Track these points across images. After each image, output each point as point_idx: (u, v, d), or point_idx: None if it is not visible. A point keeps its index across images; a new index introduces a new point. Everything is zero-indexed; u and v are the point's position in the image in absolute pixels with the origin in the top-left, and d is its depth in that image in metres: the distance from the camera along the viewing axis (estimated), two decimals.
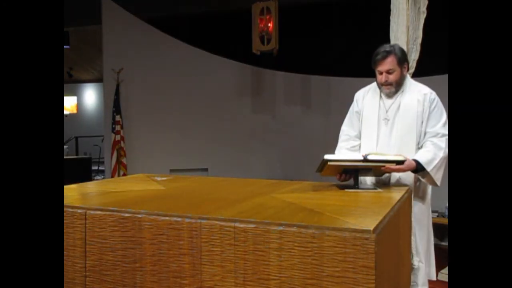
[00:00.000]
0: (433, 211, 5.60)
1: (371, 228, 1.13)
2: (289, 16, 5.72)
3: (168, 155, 5.91)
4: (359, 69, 5.88)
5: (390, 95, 2.42)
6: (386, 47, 2.39)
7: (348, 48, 5.91)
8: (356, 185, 2.10)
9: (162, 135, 5.90)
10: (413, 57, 3.12)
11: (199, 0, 6.49)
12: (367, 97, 2.54)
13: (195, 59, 6.10)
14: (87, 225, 1.47)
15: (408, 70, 2.48)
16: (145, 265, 1.37)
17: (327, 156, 2.11)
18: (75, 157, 8.54)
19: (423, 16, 3.08)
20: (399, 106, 2.40)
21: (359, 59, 5.81)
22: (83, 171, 7.36)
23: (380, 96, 2.47)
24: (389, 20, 3.17)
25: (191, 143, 6.05)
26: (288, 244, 1.19)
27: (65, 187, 1.97)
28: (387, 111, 2.42)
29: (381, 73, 2.39)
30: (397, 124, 2.37)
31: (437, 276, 4.18)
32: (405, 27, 3.04)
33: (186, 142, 6.03)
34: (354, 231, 1.14)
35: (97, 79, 12.78)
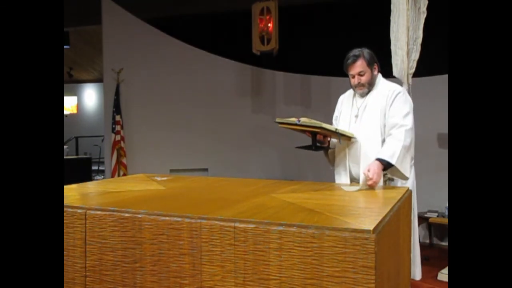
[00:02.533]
0: (433, 211, 5.60)
1: (371, 228, 1.13)
2: (289, 16, 5.72)
3: (168, 155, 5.91)
4: None
5: (363, 95, 2.61)
6: (355, 52, 2.58)
7: (348, 48, 5.91)
8: (313, 145, 2.58)
9: (162, 135, 5.90)
10: (413, 57, 3.12)
11: (199, 0, 6.49)
12: (345, 100, 2.78)
13: (195, 59, 6.10)
14: (87, 225, 1.47)
15: (378, 70, 2.64)
16: (145, 265, 1.37)
17: (278, 119, 2.54)
18: (75, 157, 8.54)
19: (423, 16, 3.08)
20: (367, 103, 2.59)
21: None
22: (83, 171, 7.36)
23: (354, 95, 2.69)
24: (389, 20, 3.17)
25: (191, 143, 6.05)
26: (288, 244, 1.19)
27: (65, 187, 1.97)
28: (358, 109, 2.62)
29: (353, 76, 2.59)
30: (364, 120, 2.55)
31: (437, 276, 4.19)
32: (405, 27, 3.04)
33: (186, 142, 6.03)
34: (354, 231, 1.14)
35: (97, 79, 12.78)
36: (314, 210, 1.40)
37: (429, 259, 4.91)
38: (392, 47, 3.20)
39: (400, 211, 1.62)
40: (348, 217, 1.28)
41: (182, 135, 6.01)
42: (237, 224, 1.26)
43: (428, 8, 3.06)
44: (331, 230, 1.16)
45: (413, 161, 2.74)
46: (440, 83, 5.06)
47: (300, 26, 6.22)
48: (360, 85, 2.58)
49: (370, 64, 2.54)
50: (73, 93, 13.64)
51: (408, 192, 2.02)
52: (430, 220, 5.09)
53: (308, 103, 6.28)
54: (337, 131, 2.39)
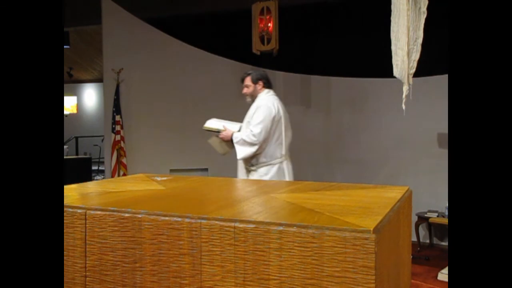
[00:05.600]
0: (433, 211, 5.60)
1: (371, 228, 1.13)
2: (289, 16, 5.72)
3: (168, 155, 5.91)
4: (359, 69, 5.90)
5: (250, 103, 3.72)
6: (248, 71, 3.76)
7: (348, 48, 5.91)
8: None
9: (162, 135, 5.90)
10: (413, 57, 3.12)
11: (199, 0, 6.49)
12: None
13: (195, 59, 6.10)
14: (87, 225, 1.47)
15: (264, 86, 3.69)
16: (145, 265, 1.37)
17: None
18: (75, 157, 8.54)
19: (423, 16, 3.07)
20: (249, 110, 3.66)
21: (359, 59, 5.84)
22: (83, 171, 7.37)
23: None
24: (389, 20, 3.17)
25: (191, 143, 6.05)
26: (288, 244, 1.19)
27: (65, 187, 1.97)
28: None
29: (243, 88, 3.73)
30: (245, 120, 3.66)
31: (437, 276, 4.19)
32: (406, 27, 3.04)
33: (186, 142, 6.02)
34: (354, 231, 1.14)
35: (97, 79, 12.79)
36: (314, 210, 1.40)
37: (429, 259, 4.91)
38: (393, 47, 3.20)
39: (400, 211, 1.62)
40: (348, 217, 1.28)
41: (182, 135, 6.01)
42: (237, 224, 1.26)
43: (428, 8, 3.06)
44: (331, 230, 1.16)
45: (270, 160, 3.61)
46: (440, 83, 5.06)
47: (300, 26, 6.22)
48: (245, 94, 3.72)
49: (254, 81, 3.66)
50: (73, 93, 13.64)
51: (408, 192, 2.02)
52: (430, 220, 5.08)
53: (308, 103, 6.28)
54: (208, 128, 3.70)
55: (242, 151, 3.50)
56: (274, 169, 3.56)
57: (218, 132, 3.64)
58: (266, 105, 3.54)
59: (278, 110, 3.57)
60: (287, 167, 3.66)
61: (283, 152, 3.64)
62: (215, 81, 6.17)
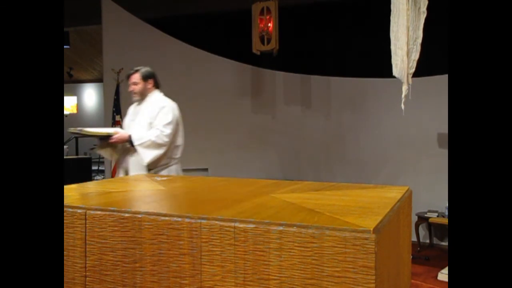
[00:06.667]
0: (433, 211, 5.60)
1: (371, 228, 1.13)
2: (289, 16, 5.72)
3: None
4: (359, 69, 5.90)
5: (139, 103, 3.49)
6: (136, 67, 3.51)
7: (348, 48, 5.91)
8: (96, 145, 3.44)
9: None
10: (413, 57, 3.12)
11: (199, 0, 6.49)
12: (130, 109, 3.60)
13: (195, 59, 6.10)
14: (87, 225, 1.47)
15: (154, 85, 3.51)
16: (145, 265, 1.37)
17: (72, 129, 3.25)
18: (75, 157, 8.53)
19: (423, 16, 3.08)
20: (140, 110, 3.45)
21: (359, 59, 5.84)
22: (83, 171, 7.36)
23: (135, 106, 3.55)
24: (389, 20, 3.17)
25: (191, 143, 6.04)
26: (288, 244, 1.19)
27: (65, 187, 1.97)
28: (136, 115, 3.46)
29: (130, 85, 3.47)
30: (136, 122, 3.40)
31: (437, 276, 4.19)
32: (405, 27, 3.04)
33: (186, 142, 6.02)
34: (354, 231, 1.14)
35: (97, 79, 12.78)
36: (314, 210, 1.40)
37: (429, 259, 4.91)
38: (392, 47, 3.20)
39: (400, 211, 1.62)
40: (348, 217, 1.28)
41: None
42: (237, 224, 1.26)
43: (428, 8, 3.06)
44: (331, 230, 1.16)
45: (178, 163, 3.55)
46: (440, 83, 5.06)
47: (300, 26, 6.22)
48: (133, 93, 3.45)
49: (144, 79, 3.44)
50: (73, 93, 13.63)
51: (408, 192, 2.02)
52: (430, 220, 5.08)
53: (308, 103, 6.28)
54: (87, 132, 3.28)
55: (149, 154, 3.23)
56: (172, 172, 3.41)
57: (107, 136, 3.26)
58: (171, 106, 3.40)
59: (179, 112, 3.48)
60: (179, 169, 3.54)
61: (179, 155, 3.51)
62: (215, 81, 6.17)
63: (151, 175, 2.52)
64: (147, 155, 3.22)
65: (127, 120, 3.55)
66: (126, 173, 3.35)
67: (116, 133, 3.26)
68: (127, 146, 3.32)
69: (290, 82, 6.29)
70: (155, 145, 3.23)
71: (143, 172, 3.23)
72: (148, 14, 6.26)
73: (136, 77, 3.43)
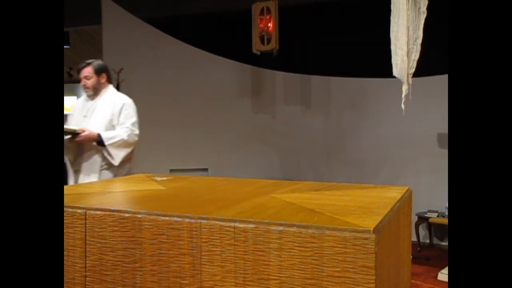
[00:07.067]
0: (433, 211, 5.60)
1: (371, 228, 1.13)
2: (289, 16, 5.72)
3: (168, 155, 5.91)
4: (359, 69, 5.90)
5: (91, 98, 3.23)
6: (88, 60, 3.24)
7: (348, 48, 5.92)
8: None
9: (162, 135, 5.89)
10: (413, 57, 3.12)
11: (199, 0, 6.49)
12: (77, 104, 3.37)
13: (195, 59, 6.10)
14: (87, 225, 1.47)
15: (107, 80, 3.27)
16: (145, 265, 1.37)
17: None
18: None
19: (423, 16, 3.08)
20: (96, 107, 3.19)
21: (359, 59, 5.84)
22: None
23: (86, 100, 3.28)
24: (389, 20, 3.17)
25: (191, 143, 6.05)
26: (288, 244, 1.19)
27: (65, 187, 1.97)
28: (87, 111, 3.21)
29: (81, 79, 3.20)
30: (92, 120, 3.14)
31: (437, 276, 4.19)
32: (405, 27, 3.04)
33: (186, 142, 6.03)
34: (354, 231, 1.14)
35: None
36: (314, 210, 1.40)
37: (429, 259, 4.91)
38: (392, 47, 3.20)
39: (400, 211, 1.62)
40: (348, 217, 1.28)
41: (182, 135, 6.01)
42: (237, 224, 1.26)
43: (428, 8, 3.06)
44: (331, 230, 1.16)
45: (130, 162, 3.40)
46: (440, 83, 5.06)
47: (300, 26, 6.22)
48: (85, 87, 3.20)
49: (97, 73, 3.19)
50: (73, 93, 13.62)
51: (408, 192, 2.02)
52: (430, 220, 5.09)
53: (308, 103, 6.29)
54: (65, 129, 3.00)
55: (120, 154, 3.09)
56: (126, 170, 3.25)
57: (74, 134, 2.98)
58: (132, 103, 3.27)
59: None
60: (131, 168, 3.40)
61: (133, 153, 3.35)
62: (215, 81, 6.17)
63: (151, 175, 2.52)
64: (118, 155, 3.08)
65: (76, 117, 3.25)
66: (77, 175, 3.09)
67: (83, 131, 2.99)
68: (93, 145, 3.09)
69: (290, 82, 6.29)
70: (126, 144, 3.12)
71: (95, 174, 3.09)
72: (148, 14, 6.26)
73: (88, 71, 3.18)
